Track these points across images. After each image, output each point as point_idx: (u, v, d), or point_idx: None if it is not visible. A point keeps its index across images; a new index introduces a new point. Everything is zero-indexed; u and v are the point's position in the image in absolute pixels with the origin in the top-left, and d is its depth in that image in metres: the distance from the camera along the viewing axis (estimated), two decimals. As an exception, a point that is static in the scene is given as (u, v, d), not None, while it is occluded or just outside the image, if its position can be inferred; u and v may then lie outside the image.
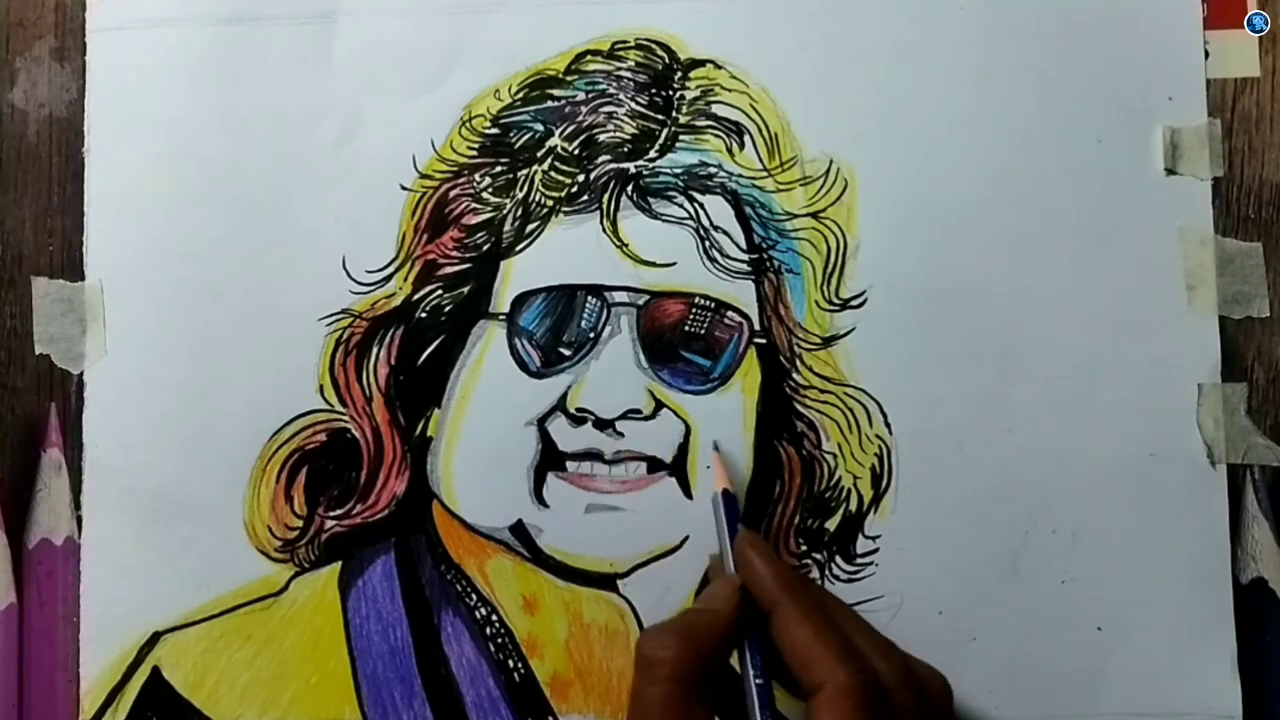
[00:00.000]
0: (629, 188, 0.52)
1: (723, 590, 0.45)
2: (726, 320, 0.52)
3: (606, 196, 0.52)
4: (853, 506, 0.51)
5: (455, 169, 0.53)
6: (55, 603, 0.52)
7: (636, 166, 0.53)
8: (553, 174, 0.53)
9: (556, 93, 0.53)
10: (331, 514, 0.52)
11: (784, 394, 0.52)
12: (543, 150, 0.53)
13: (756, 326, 0.52)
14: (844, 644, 0.42)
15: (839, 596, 0.49)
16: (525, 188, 0.53)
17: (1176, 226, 0.52)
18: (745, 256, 0.52)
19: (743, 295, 0.52)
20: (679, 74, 0.53)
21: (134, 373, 0.53)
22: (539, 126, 0.53)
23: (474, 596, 0.52)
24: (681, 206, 0.52)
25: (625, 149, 0.53)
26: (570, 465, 0.51)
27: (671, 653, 0.41)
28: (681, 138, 0.53)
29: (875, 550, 0.51)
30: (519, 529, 0.52)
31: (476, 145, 0.53)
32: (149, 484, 0.52)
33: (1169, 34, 0.52)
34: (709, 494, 0.51)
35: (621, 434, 0.51)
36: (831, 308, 0.52)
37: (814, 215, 0.52)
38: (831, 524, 0.51)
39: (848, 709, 0.40)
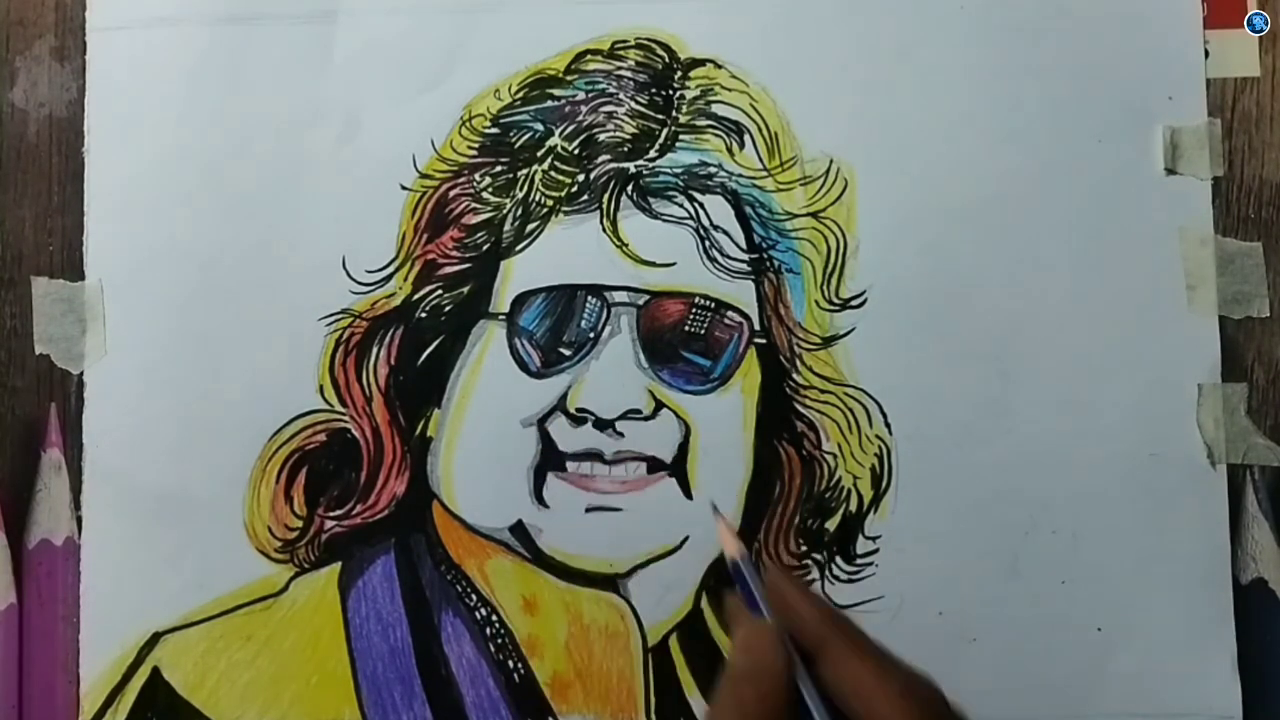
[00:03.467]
0: (629, 187, 0.52)
1: (761, 642, 0.38)
2: (726, 320, 0.52)
3: (606, 196, 0.52)
4: (853, 506, 0.51)
5: (455, 169, 0.53)
6: (55, 603, 0.52)
7: (636, 166, 0.53)
8: (553, 174, 0.53)
9: (556, 92, 0.53)
10: (331, 514, 0.52)
11: (784, 394, 0.52)
12: (543, 150, 0.53)
13: (756, 326, 0.52)
14: (904, 681, 0.38)
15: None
16: (525, 187, 0.53)
17: (1176, 226, 0.52)
18: (745, 256, 0.52)
19: (743, 295, 0.52)
20: (679, 74, 0.53)
21: (134, 373, 0.53)
22: (539, 126, 0.53)
23: (474, 597, 0.52)
24: (681, 206, 0.52)
25: (625, 148, 0.53)
26: (570, 465, 0.51)
27: None
28: (681, 137, 0.53)
29: (875, 550, 0.51)
30: (519, 529, 0.52)
31: (476, 145, 0.53)
32: (149, 484, 0.52)
33: (1169, 34, 0.52)
34: (709, 494, 0.51)
35: (621, 434, 0.51)
36: (831, 308, 0.52)
37: (814, 215, 0.52)
38: (831, 524, 0.51)
39: None
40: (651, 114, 0.53)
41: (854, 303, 0.52)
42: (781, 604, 0.40)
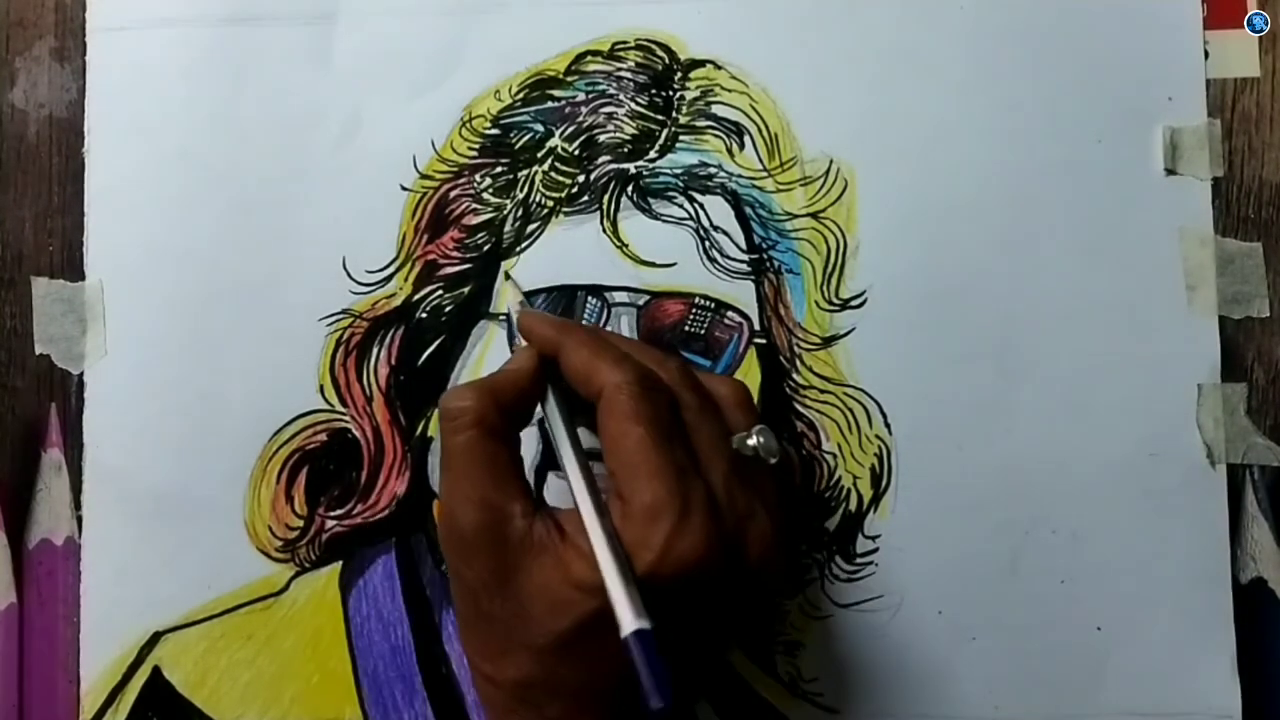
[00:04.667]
0: (629, 188, 0.52)
1: (520, 356, 0.45)
2: (726, 320, 0.52)
3: (606, 197, 0.52)
4: (852, 506, 0.51)
5: (455, 169, 0.53)
6: (55, 603, 0.52)
7: (636, 167, 0.53)
8: (553, 174, 0.53)
9: (556, 93, 0.53)
10: (332, 514, 0.52)
11: (784, 394, 0.52)
12: (543, 151, 0.53)
13: (756, 326, 0.52)
14: (618, 354, 0.43)
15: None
16: (525, 188, 0.53)
17: (1176, 226, 0.52)
18: (745, 257, 0.52)
19: (742, 295, 0.52)
20: (679, 74, 0.53)
21: (134, 373, 0.53)
22: (539, 127, 0.53)
23: (474, 596, 0.52)
24: (681, 207, 0.52)
25: (625, 149, 0.53)
26: (570, 465, 0.51)
27: (471, 403, 0.42)
28: (681, 138, 0.53)
29: (875, 550, 0.51)
30: (519, 529, 0.52)
31: (477, 145, 0.53)
32: (149, 484, 0.52)
33: (1169, 34, 0.52)
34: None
35: (622, 434, 0.51)
36: (831, 308, 0.52)
37: (814, 215, 0.52)
38: (831, 524, 0.51)
39: (625, 402, 0.41)
40: (651, 115, 0.53)
41: (854, 303, 0.52)
42: (525, 327, 0.46)
